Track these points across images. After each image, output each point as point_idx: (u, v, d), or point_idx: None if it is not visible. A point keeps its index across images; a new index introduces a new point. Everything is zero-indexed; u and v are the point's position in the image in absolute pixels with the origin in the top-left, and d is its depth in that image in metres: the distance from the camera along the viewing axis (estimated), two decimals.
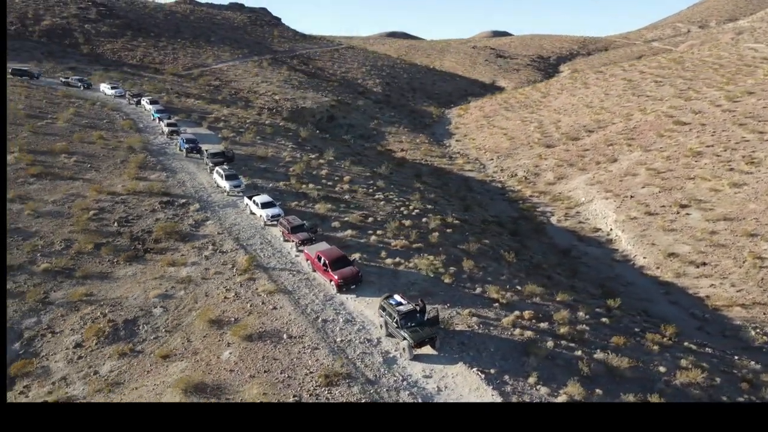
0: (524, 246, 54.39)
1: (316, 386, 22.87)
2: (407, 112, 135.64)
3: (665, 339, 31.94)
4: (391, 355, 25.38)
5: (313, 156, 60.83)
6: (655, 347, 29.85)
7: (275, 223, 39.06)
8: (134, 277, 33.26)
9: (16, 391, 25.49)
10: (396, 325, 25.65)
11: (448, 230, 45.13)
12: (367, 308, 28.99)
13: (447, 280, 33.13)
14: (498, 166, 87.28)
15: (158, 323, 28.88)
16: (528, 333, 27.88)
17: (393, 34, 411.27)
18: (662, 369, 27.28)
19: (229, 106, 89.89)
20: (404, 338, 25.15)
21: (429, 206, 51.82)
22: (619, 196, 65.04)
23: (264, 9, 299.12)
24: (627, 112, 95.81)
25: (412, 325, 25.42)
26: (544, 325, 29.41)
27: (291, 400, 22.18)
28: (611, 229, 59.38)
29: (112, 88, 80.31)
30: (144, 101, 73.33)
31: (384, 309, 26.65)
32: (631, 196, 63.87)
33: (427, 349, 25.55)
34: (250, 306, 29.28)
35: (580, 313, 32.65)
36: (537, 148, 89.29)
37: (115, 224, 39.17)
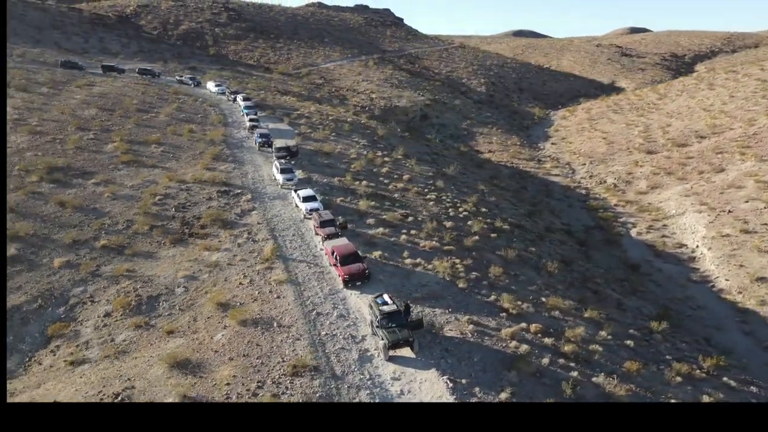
0: (587, 257, 50.84)
1: (282, 375, 23.56)
2: (508, 113, 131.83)
3: (698, 371, 28.33)
4: (369, 354, 25.34)
5: (380, 154, 61.61)
6: (678, 378, 26.66)
7: (312, 212, 40.31)
8: (173, 258, 36.31)
9: (47, 350, 29.17)
10: (377, 324, 25.56)
11: (493, 235, 43.57)
12: (366, 305, 29.08)
13: (461, 285, 32.16)
14: (588, 171, 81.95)
15: (176, 301, 31.35)
16: (524, 347, 26.30)
17: (519, 33, 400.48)
18: (673, 402, 24.33)
19: (321, 103, 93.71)
20: (381, 338, 24.99)
21: (483, 209, 50.29)
22: (715, 209, 58.16)
23: (387, 10, 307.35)
24: (750, 116, 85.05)
25: (393, 325, 25.14)
26: (548, 340, 27.55)
27: (254, 385, 23.08)
28: (697, 246, 53.38)
29: (216, 86, 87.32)
30: (239, 98, 78.91)
31: (371, 307, 26.64)
32: (729, 211, 56.82)
33: (406, 352, 25.15)
34: (258, 293, 30.71)
35: (602, 333, 30.04)
36: (635, 154, 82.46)
37: (173, 209, 42.89)
